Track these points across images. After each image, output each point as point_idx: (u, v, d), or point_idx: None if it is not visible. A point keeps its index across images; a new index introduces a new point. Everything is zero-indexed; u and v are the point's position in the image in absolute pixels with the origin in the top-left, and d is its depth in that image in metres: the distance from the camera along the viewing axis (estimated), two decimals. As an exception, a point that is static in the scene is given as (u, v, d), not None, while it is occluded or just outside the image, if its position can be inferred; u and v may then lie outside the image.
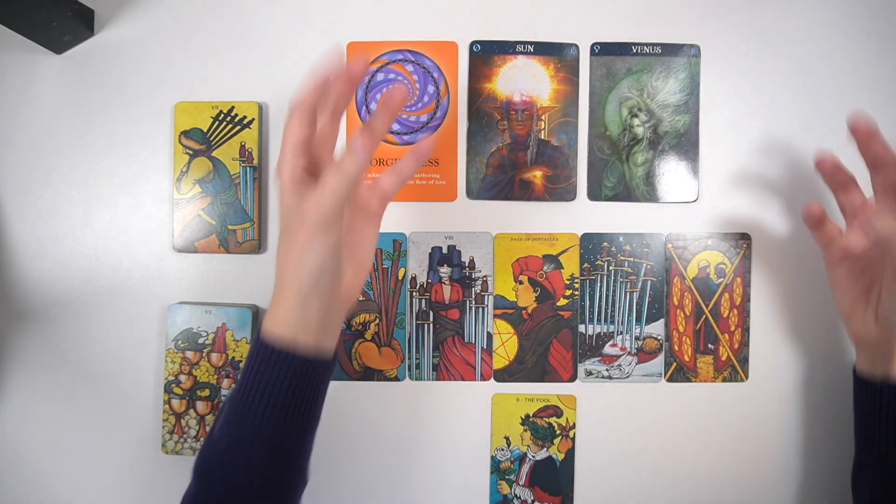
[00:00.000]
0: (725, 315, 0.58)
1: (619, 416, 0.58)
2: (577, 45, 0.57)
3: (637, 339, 0.58)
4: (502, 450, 0.58)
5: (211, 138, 0.57)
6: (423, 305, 0.58)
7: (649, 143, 0.58)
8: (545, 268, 0.58)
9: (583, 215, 0.58)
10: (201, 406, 0.56)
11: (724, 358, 0.58)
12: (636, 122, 0.58)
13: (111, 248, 0.58)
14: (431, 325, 0.58)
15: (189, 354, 0.56)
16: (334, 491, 0.58)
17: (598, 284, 0.58)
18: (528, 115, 0.58)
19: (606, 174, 0.58)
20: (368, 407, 0.58)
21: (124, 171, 0.58)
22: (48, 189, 0.58)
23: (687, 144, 0.58)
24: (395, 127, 0.58)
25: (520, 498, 0.58)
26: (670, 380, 0.58)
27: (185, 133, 0.57)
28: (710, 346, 0.58)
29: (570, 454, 0.58)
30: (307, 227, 0.39)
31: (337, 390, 0.58)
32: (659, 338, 0.58)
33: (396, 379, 0.58)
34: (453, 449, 0.58)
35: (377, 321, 0.58)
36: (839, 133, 0.58)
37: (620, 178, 0.58)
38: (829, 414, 0.58)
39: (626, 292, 0.58)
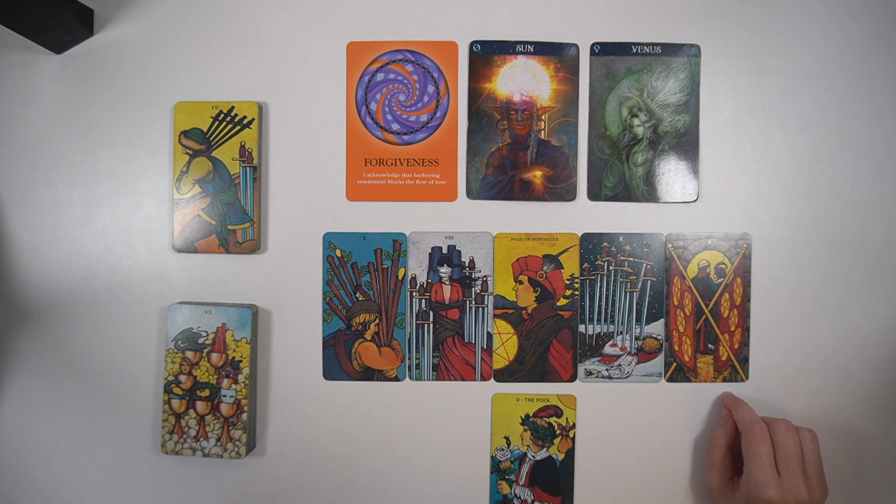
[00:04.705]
0: (725, 315, 0.58)
1: (619, 416, 0.58)
2: (577, 45, 0.57)
3: (637, 339, 0.58)
4: (502, 450, 0.58)
5: (211, 138, 0.57)
6: (423, 305, 0.58)
7: (649, 143, 0.58)
8: (545, 268, 0.58)
9: (583, 215, 0.58)
10: (201, 406, 0.56)
11: (724, 358, 0.58)
12: (636, 122, 0.58)
13: (111, 248, 0.58)
14: (431, 325, 0.58)
15: (189, 354, 0.56)
16: (334, 491, 0.58)
17: (598, 284, 0.58)
18: (528, 115, 0.58)
19: (606, 174, 0.58)
20: (368, 407, 0.58)
21: (124, 171, 0.58)
22: (48, 189, 0.58)
23: (687, 144, 0.58)
24: (396, 127, 0.58)
25: (520, 498, 0.58)
26: (670, 380, 0.58)
27: (185, 133, 0.57)
28: (710, 346, 0.58)
29: (570, 454, 0.58)
30: None
31: (337, 390, 0.58)
32: (659, 338, 0.58)
33: (396, 379, 0.58)
34: (453, 449, 0.58)
35: (377, 321, 0.58)
36: (839, 133, 0.58)
37: (620, 178, 0.58)
38: (829, 414, 0.58)
39: (626, 292, 0.58)
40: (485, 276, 0.58)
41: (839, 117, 0.58)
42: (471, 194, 0.58)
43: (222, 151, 0.57)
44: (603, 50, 0.57)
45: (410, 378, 0.58)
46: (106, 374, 0.58)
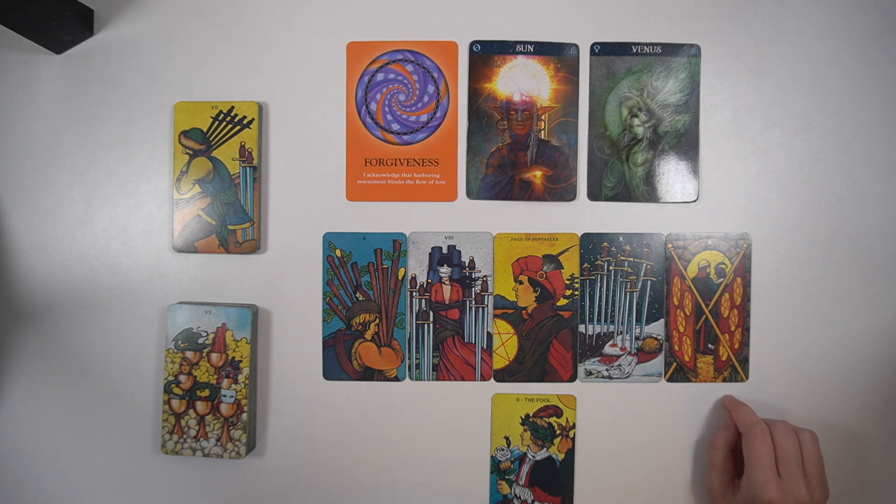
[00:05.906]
0: (725, 315, 0.58)
1: (619, 416, 0.58)
2: (577, 45, 0.58)
3: (637, 339, 0.58)
4: (502, 450, 0.58)
5: (211, 138, 0.57)
6: (423, 305, 0.58)
7: (649, 143, 0.58)
8: (545, 268, 0.58)
9: (583, 215, 0.58)
10: (201, 406, 0.56)
11: (724, 358, 0.58)
12: (636, 122, 0.58)
13: (111, 248, 0.58)
14: (431, 325, 0.58)
15: (189, 354, 0.56)
16: (334, 491, 0.58)
17: (598, 284, 0.58)
18: (528, 115, 0.58)
19: (606, 174, 0.58)
20: (368, 407, 0.58)
21: (124, 171, 0.58)
22: (48, 189, 0.58)
23: (687, 144, 0.58)
24: (396, 127, 0.58)
25: (520, 498, 0.58)
26: (670, 380, 0.58)
27: (185, 133, 0.57)
28: (710, 346, 0.58)
29: (570, 454, 0.58)
30: None
31: (337, 390, 0.58)
32: (659, 338, 0.58)
33: (396, 379, 0.58)
34: (453, 449, 0.58)
35: (377, 321, 0.58)
36: (839, 132, 0.58)
37: (620, 178, 0.58)
38: (829, 414, 0.58)
39: (626, 292, 0.58)
40: (485, 276, 0.58)
41: (839, 117, 0.58)
42: (471, 194, 0.58)
43: (222, 151, 0.57)
44: (603, 50, 0.57)
45: (410, 378, 0.58)
46: (106, 374, 0.58)
